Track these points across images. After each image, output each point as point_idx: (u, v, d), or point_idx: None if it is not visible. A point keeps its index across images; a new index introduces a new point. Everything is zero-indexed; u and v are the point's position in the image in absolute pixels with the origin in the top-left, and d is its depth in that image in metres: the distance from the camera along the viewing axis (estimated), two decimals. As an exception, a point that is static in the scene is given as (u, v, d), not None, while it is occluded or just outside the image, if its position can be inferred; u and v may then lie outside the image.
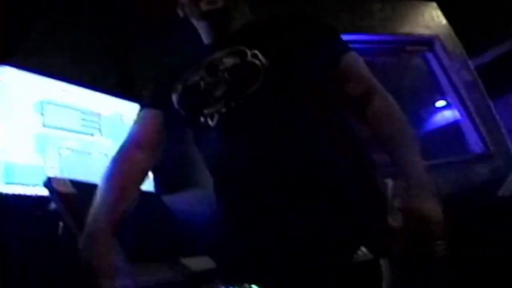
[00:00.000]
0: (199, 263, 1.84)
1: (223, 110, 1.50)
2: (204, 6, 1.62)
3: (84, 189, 1.62)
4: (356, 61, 1.59)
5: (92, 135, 2.17)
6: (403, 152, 1.48)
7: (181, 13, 1.74)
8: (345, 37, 1.63)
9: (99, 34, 2.67)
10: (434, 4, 3.92)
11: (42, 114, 1.99)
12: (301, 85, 1.52)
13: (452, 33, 3.85)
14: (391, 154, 1.51)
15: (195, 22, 1.72)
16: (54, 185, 1.58)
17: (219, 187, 1.60)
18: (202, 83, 1.57)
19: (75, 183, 1.66)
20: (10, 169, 1.81)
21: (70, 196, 1.60)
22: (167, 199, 2.10)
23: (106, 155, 2.18)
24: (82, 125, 2.14)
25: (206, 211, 2.06)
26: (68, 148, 2.03)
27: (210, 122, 1.52)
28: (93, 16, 2.67)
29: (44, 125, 1.98)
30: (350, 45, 1.63)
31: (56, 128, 2.02)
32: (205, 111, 1.53)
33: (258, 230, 1.50)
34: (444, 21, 3.87)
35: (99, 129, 2.21)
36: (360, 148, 1.61)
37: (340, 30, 1.65)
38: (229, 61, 1.55)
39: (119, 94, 2.35)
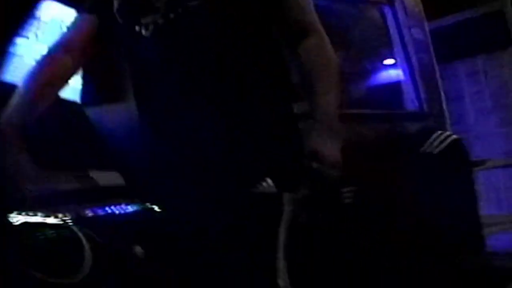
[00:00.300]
0: (108, 178, 1.89)
1: (160, 20, 1.47)
2: None
3: (6, 90, 1.64)
4: None
5: (28, 38, 2.18)
6: (319, 94, 1.52)
7: None
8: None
9: None
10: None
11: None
12: (242, 8, 1.51)
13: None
14: (308, 94, 1.55)
15: None
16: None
17: (141, 99, 1.61)
18: None
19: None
20: None
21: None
22: (92, 110, 2.14)
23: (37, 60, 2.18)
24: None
25: (129, 127, 2.08)
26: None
27: (144, 32, 1.49)
28: None
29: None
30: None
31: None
32: (142, 20, 1.49)
33: (171, 150, 1.53)
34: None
35: (36, 33, 2.21)
36: (286, 84, 1.63)
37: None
38: None
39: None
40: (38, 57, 2.13)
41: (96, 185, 1.81)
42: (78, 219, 1.41)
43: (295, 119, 1.64)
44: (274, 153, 1.50)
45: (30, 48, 2.18)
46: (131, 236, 1.56)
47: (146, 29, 1.49)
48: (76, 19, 1.68)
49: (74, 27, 1.66)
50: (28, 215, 1.35)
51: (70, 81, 1.69)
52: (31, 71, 1.59)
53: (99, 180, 1.83)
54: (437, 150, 3.12)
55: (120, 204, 1.63)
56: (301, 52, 1.55)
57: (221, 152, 1.47)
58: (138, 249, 1.48)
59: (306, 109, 1.62)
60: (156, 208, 1.66)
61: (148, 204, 1.69)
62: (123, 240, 1.51)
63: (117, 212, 1.59)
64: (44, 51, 2.14)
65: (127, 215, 1.60)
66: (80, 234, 1.32)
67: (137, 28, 1.50)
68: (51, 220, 1.37)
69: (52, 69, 1.58)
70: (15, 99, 1.50)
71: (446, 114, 3.69)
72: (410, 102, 3.63)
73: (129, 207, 1.64)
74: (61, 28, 2.28)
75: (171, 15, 1.46)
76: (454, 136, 3.26)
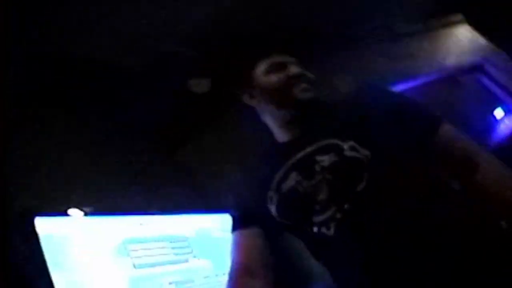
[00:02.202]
0: None
1: (338, 215, 1.36)
2: (300, 94, 1.55)
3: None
4: (452, 128, 1.48)
5: (187, 261, 2.01)
6: None
7: (248, 101, 1.66)
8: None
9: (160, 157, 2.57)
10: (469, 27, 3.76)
11: (128, 256, 1.83)
12: (405, 168, 1.40)
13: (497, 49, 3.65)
14: None
15: (272, 112, 1.61)
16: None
17: None
18: (299, 188, 1.43)
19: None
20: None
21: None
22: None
23: (208, 277, 2.02)
24: (173, 253, 1.98)
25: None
26: (169, 283, 1.86)
27: (326, 231, 1.37)
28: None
29: (135, 267, 1.82)
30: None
31: (148, 266, 1.86)
32: (315, 219, 1.39)
33: None
34: (483, 41, 3.69)
35: (192, 253, 2.05)
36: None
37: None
38: (324, 159, 1.41)
39: (198, 211, 2.23)
40: (207, 274, 1.97)
41: None
42: None
43: None
44: None
45: (195, 269, 2.01)
46: None
47: (327, 228, 1.37)
48: (236, 236, 1.56)
49: (240, 247, 1.54)
50: None
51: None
52: None
53: None
54: None
55: None
56: (481, 183, 1.41)
57: None
58: None
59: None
60: None
61: None
62: None
63: None
64: (209, 266, 2.01)
65: None
66: None
67: (315, 229, 1.40)
68: None
69: None
70: None
71: None
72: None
73: None
74: (211, 236, 2.14)
75: (346, 206, 1.35)
76: None
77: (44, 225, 1.63)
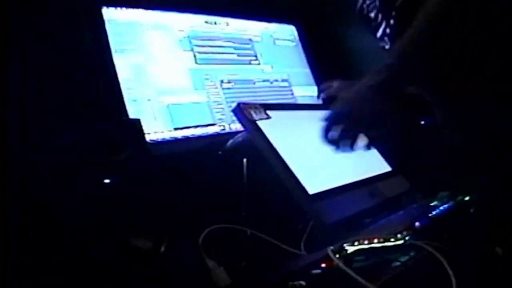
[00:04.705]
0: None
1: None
2: None
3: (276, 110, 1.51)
4: None
5: (250, 63, 2.00)
6: None
7: None
8: None
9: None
10: None
11: (192, 51, 1.83)
12: None
13: None
14: None
15: None
16: (246, 112, 1.40)
17: None
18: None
19: (266, 106, 1.48)
20: (175, 112, 1.67)
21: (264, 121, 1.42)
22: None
23: (268, 80, 2.02)
24: (237, 54, 1.97)
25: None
26: (229, 81, 1.87)
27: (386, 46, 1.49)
28: None
29: (197, 62, 1.82)
30: None
31: (210, 62, 1.86)
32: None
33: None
34: None
35: (255, 56, 2.03)
36: None
37: None
38: None
39: (265, 18, 2.17)
40: (267, 78, 1.98)
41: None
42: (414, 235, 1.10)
43: None
44: None
45: (257, 72, 2.02)
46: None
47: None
48: None
49: None
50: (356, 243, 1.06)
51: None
52: None
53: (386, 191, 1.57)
54: None
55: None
56: None
57: None
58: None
59: None
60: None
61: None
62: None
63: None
64: (271, 71, 2.05)
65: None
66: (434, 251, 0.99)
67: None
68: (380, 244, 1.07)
69: None
70: None
71: None
72: None
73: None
74: (275, 44, 2.16)
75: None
76: None
77: (110, 14, 1.63)
